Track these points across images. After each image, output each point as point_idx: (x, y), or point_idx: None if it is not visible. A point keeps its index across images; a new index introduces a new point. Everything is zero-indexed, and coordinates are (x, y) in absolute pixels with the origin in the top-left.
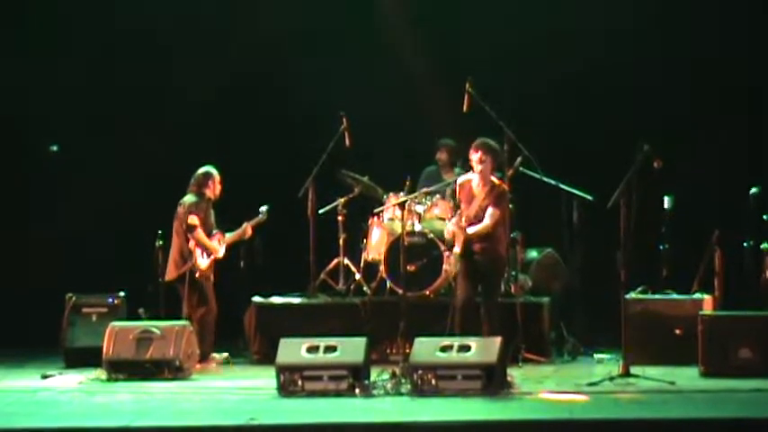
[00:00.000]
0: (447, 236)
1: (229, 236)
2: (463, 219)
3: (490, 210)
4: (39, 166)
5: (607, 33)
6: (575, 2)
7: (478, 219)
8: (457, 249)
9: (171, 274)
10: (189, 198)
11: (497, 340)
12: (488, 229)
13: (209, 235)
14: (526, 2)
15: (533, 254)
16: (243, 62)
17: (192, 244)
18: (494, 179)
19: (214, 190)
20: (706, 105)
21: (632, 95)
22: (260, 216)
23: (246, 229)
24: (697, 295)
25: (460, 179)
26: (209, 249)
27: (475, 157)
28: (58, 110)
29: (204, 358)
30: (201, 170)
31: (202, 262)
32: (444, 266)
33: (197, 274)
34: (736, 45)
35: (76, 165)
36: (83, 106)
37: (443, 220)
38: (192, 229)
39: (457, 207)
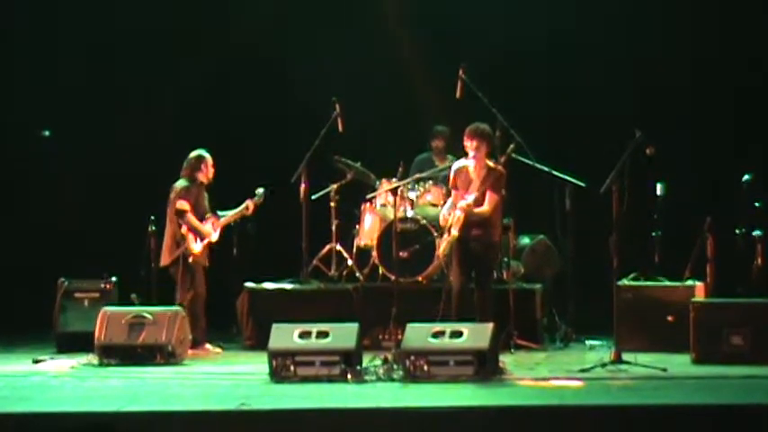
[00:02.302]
0: (441, 222)
1: (228, 215)
2: (467, 200)
3: (488, 194)
4: (31, 152)
5: (600, 19)
6: None
7: (477, 203)
8: (455, 233)
9: (164, 259)
10: (180, 183)
11: (489, 326)
12: (487, 214)
13: (201, 219)
14: None
15: (526, 240)
16: (237, 48)
17: (184, 229)
18: (490, 163)
19: (207, 173)
20: (699, 92)
21: (625, 82)
22: (256, 198)
23: (248, 204)
24: (689, 282)
25: (456, 165)
26: (201, 233)
27: (469, 143)
28: (51, 94)
29: (196, 344)
30: (193, 154)
31: (195, 246)
32: (437, 252)
33: (190, 259)
34: (732, 32)
35: (69, 149)
36: (76, 90)
37: (436, 206)
38: (181, 214)
39: (448, 193)
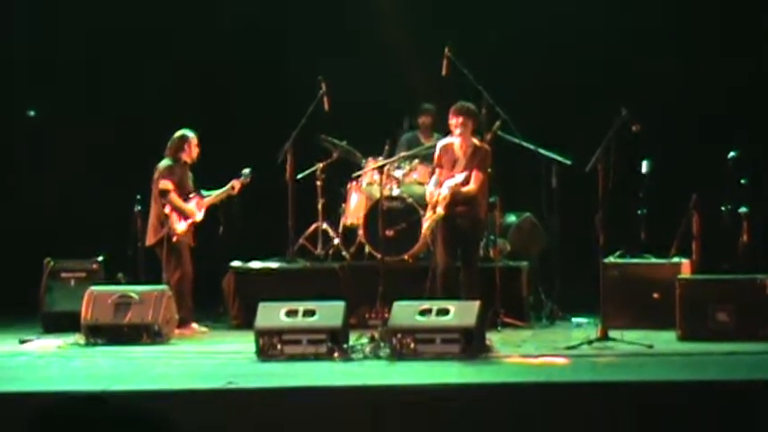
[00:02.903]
0: (427, 199)
1: (213, 194)
2: (456, 179)
3: (474, 172)
4: (16, 131)
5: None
6: None
7: (464, 182)
8: (440, 211)
9: (149, 239)
10: (163, 162)
11: (476, 304)
12: (473, 192)
13: (185, 198)
14: None
15: (512, 218)
16: (223, 32)
17: (167, 209)
18: (476, 141)
19: (190, 153)
20: (685, 68)
21: (611, 60)
22: (243, 177)
23: (234, 184)
24: (675, 259)
25: (441, 142)
26: (185, 213)
27: (454, 121)
28: (35, 73)
29: (183, 323)
30: (177, 134)
31: (179, 226)
32: (423, 230)
33: (174, 239)
34: (716, 9)
35: (53, 129)
36: (61, 69)
37: (422, 184)
38: (164, 193)
39: (434, 171)
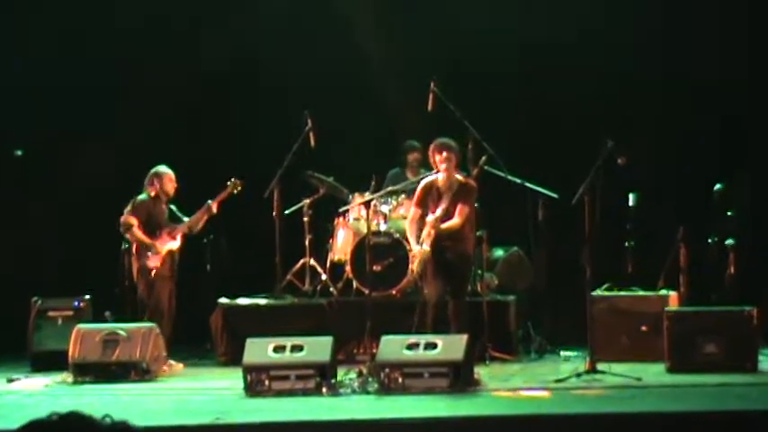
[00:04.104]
0: (409, 235)
1: (188, 220)
2: (436, 214)
3: (459, 206)
4: (2, 170)
5: (570, 30)
6: (541, 5)
7: (449, 216)
8: (426, 248)
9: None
10: (137, 197)
11: (464, 338)
12: (458, 226)
13: (157, 233)
14: (490, 4)
15: (499, 252)
16: (211, 61)
17: (133, 244)
18: (459, 177)
19: (163, 188)
20: (670, 101)
21: (595, 93)
22: (227, 188)
23: (211, 206)
24: (662, 291)
25: (424, 181)
26: (148, 247)
27: (438, 157)
28: (22, 113)
29: None
30: (153, 169)
31: (150, 262)
32: (410, 266)
33: (152, 274)
34: (704, 41)
35: (41, 167)
36: (47, 108)
37: None
38: (126, 228)
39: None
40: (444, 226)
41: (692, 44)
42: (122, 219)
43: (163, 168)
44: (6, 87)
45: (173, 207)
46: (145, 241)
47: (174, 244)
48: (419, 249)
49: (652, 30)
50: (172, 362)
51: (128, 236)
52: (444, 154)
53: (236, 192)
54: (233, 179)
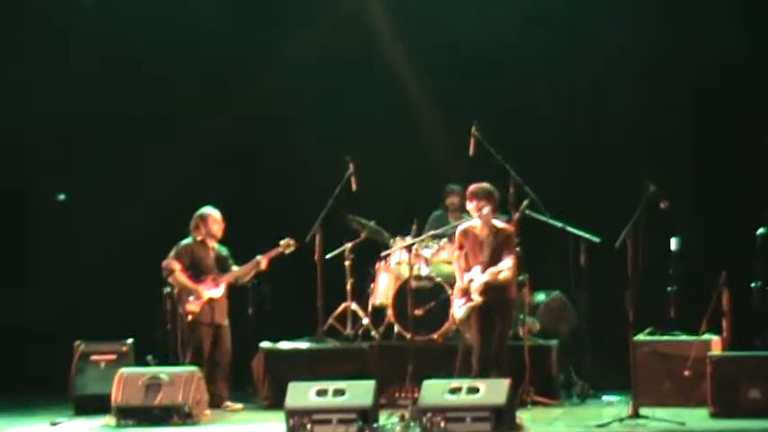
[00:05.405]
0: (460, 283)
1: (235, 270)
2: (496, 268)
3: (505, 256)
4: (46, 214)
5: (611, 74)
6: (574, 45)
7: (492, 264)
8: (477, 298)
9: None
10: (182, 241)
11: (506, 382)
12: (512, 278)
13: (201, 278)
14: (527, 47)
15: (541, 296)
16: (252, 105)
17: (176, 288)
18: (496, 223)
19: (209, 230)
20: (711, 145)
21: (637, 136)
22: (279, 247)
23: (260, 261)
24: (705, 336)
25: (462, 226)
26: (190, 291)
27: (471, 205)
28: (67, 157)
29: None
30: (197, 212)
31: (190, 306)
32: (451, 310)
33: (189, 318)
34: (738, 79)
35: (84, 210)
36: (91, 150)
37: (451, 263)
38: (168, 272)
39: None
40: (501, 277)
41: (741, 84)
42: (165, 263)
43: (207, 210)
44: (51, 130)
45: (225, 251)
46: (187, 286)
47: (217, 292)
48: (471, 304)
49: (683, 80)
50: (229, 403)
51: (170, 280)
52: (478, 203)
53: (287, 252)
54: (287, 239)
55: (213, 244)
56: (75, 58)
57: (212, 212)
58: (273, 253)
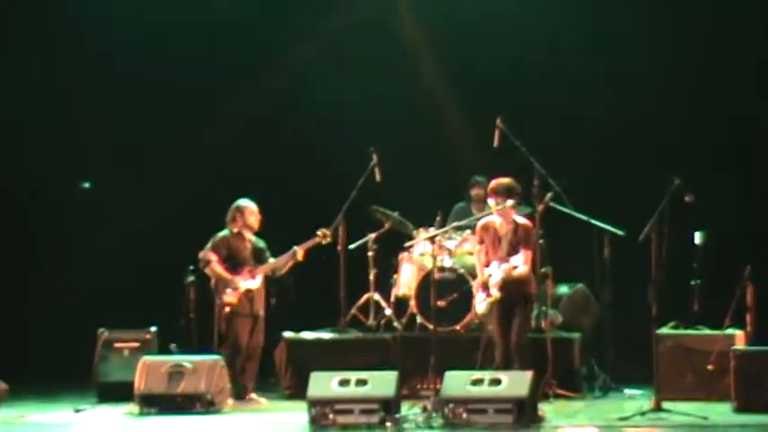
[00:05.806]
0: (479, 277)
1: (272, 261)
2: (509, 264)
3: (522, 252)
4: (72, 202)
5: (637, 67)
6: (604, 43)
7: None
8: (496, 293)
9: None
10: (219, 233)
11: (528, 374)
12: (527, 274)
13: (238, 269)
14: (554, 41)
15: (564, 289)
16: (280, 94)
17: (212, 279)
18: (516, 218)
19: (246, 222)
20: (738, 140)
21: (663, 130)
22: (316, 238)
23: (297, 252)
24: (729, 330)
25: (483, 221)
26: (226, 282)
27: (493, 201)
28: (88, 143)
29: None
30: (234, 204)
31: (227, 297)
32: (474, 303)
33: (226, 309)
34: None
35: (108, 199)
36: (115, 139)
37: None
38: (204, 263)
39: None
40: (516, 273)
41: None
42: (201, 254)
43: (244, 202)
44: (74, 117)
45: (262, 243)
46: (224, 277)
47: (254, 283)
48: (490, 299)
49: (718, 69)
50: (254, 395)
51: (207, 271)
52: (497, 199)
53: (324, 242)
54: (322, 229)
55: (250, 236)
56: (92, 46)
57: (249, 204)
58: (310, 243)
